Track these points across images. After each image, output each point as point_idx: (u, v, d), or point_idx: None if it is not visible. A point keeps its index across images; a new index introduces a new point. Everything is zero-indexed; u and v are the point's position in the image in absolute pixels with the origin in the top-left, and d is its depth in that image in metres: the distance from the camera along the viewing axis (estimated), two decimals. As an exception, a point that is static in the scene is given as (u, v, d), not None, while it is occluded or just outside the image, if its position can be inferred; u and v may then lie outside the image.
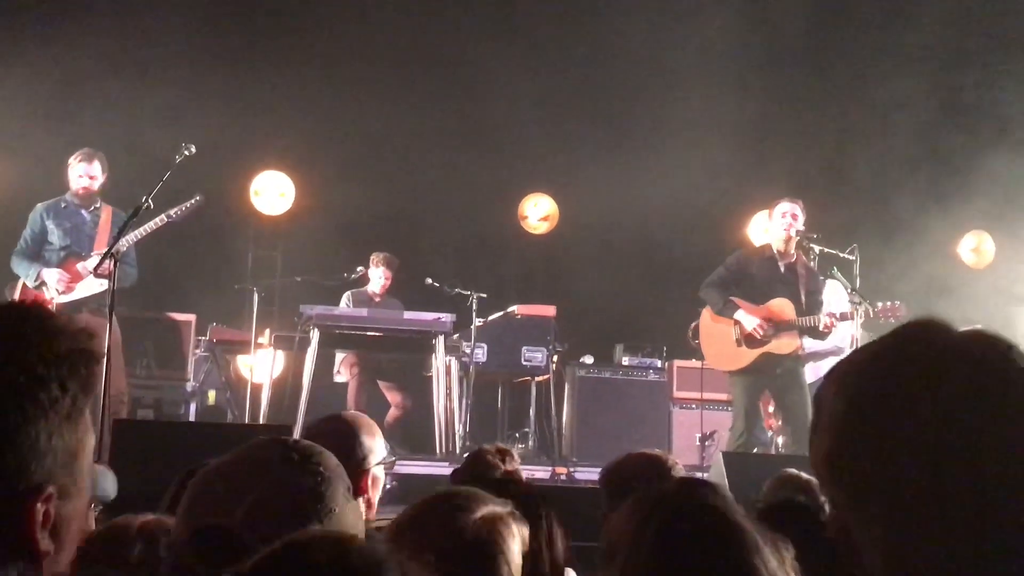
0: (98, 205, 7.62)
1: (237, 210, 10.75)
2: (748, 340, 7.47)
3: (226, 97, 9.73)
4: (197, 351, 9.11)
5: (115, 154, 7.84)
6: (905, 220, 10.19)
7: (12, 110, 9.18)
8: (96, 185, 7.57)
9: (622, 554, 1.38)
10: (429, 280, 9.16)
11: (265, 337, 8.80)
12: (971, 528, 1.04)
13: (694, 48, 10.34)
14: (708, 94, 10.37)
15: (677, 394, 9.54)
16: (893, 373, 1.10)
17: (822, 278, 7.76)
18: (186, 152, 6.84)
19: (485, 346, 8.99)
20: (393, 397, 9.27)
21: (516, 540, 1.99)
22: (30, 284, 7.43)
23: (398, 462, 8.05)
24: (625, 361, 9.72)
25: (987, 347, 1.10)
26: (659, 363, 9.63)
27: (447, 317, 8.32)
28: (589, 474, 8.24)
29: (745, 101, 10.33)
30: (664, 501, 1.42)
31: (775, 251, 7.65)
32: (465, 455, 6.48)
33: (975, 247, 11.60)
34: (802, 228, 7.56)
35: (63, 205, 7.61)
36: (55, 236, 7.51)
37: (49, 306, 6.95)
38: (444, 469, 7.24)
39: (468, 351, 8.76)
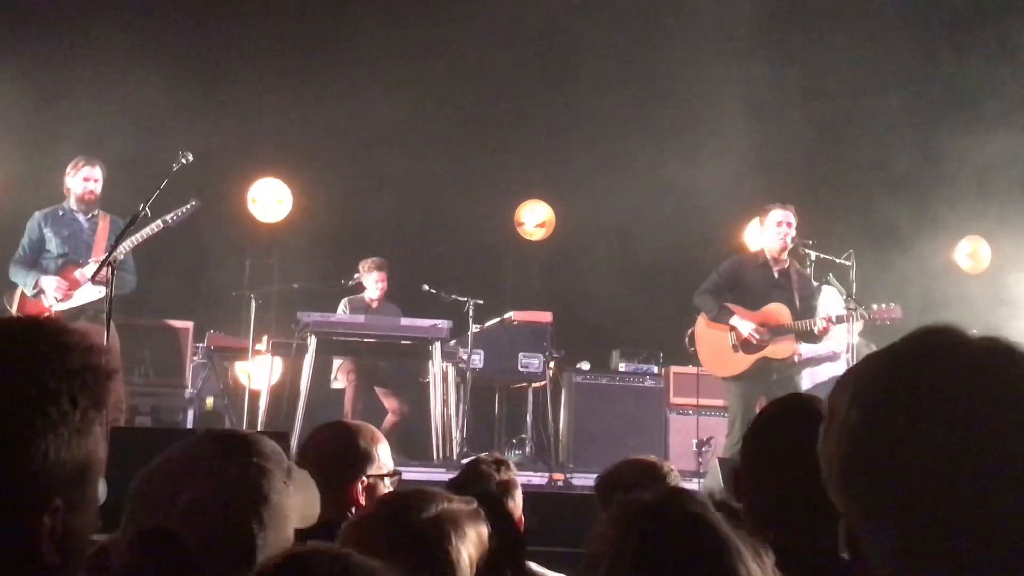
0: (96, 212, 7.59)
1: (234, 217, 10.76)
2: (745, 345, 7.48)
3: (223, 104, 9.76)
4: (195, 358, 9.12)
5: (112, 162, 7.83)
6: (901, 226, 10.21)
7: (5, 117, 9.18)
8: (99, 190, 7.56)
9: (604, 563, 1.39)
10: (426, 287, 9.18)
11: (263, 344, 8.81)
12: (984, 545, 1.02)
13: (690, 55, 10.36)
14: (705, 101, 10.40)
15: (674, 400, 9.55)
16: (909, 382, 1.08)
17: (816, 284, 7.76)
18: (183, 160, 6.86)
19: (482, 352, 9.01)
20: (390, 403, 9.28)
21: (468, 540, 1.98)
22: (28, 292, 7.40)
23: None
24: (622, 367, 9.73)
25: (1005, 357, 1.08)
26: (655, 369, 9.64)
27: (444, 323, 8.33)
28: (586, 480, 8.24)
29: (742, 108, 10.35)
30: (646, 509, 1.43)
31: (768, 257, 7.65)
32: (463, 461, 6.49)
33: (971, 252, 11.63)
34: (794, 235, 7.57)
35: (61, 213, 7.58)
36: (53, 244, 7.48)
37: (47, 314, 6.97)
38: (441, 475, 7.23)
39: (465, 357, 8.77)
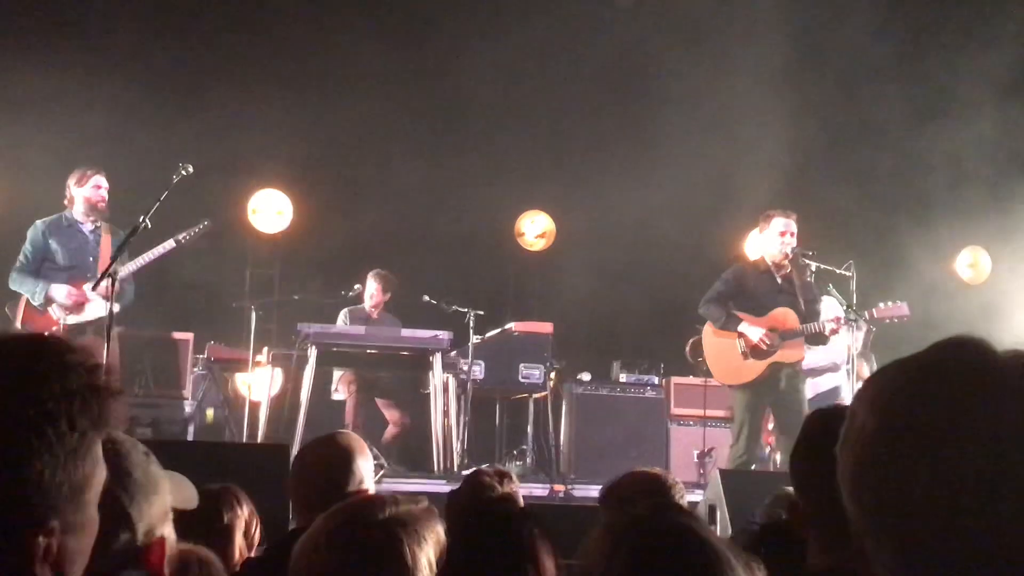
0: (99, 224, 7.52)
1: (235, 228, 10.76)
2: (755, 352, 7.47)
3: (224, 116, 9.76)
4: (195, 369, 9.11)
5: (112, 173, 7.81)
6: (902, 236, 10.22)
7: (4, 125, 9.18)
8: (104, 204, 7.47)
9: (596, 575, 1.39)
10: (426, 297, 9.18)
11: (263, 355, 8.80)
12: (981, 567, 1.01)
13: (690, 67, 10.38)
14: (704, 112, 10.40)
15: (675, 411, 9.53)
16: (928, 394, 1.06)
17: (816, 290, 7.75)
18: (183, 172, 6.86)
19: (483, 363, 9.00)
20: (391, 414, 9.27)
21: (427, 540, 1.98)
22: (36, 302, 7.27)
23: (396, 480, 8.06)
24: (622, 378, 9.72)
25: None
26: (656, 380, 9.63)
27: (444, 334, 8.32)
28: (587, 491, 8.23)
29: (741, 116, 10.36)
30: (636, 523, 1.42)
31: (770, 264, 7.66)
32: (463, 473, 6.48)
33: (972, 263, 11.63)
34: (795, 244, 7.57)
35: (65, 224, 7.48)
36: (59, 255, 7.38)
37: (56, 328, 6.91)
38: (442, 487, 7.22)
39: (465, 368, 8.77)
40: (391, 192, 10.62)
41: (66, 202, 7.54)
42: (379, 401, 9.28)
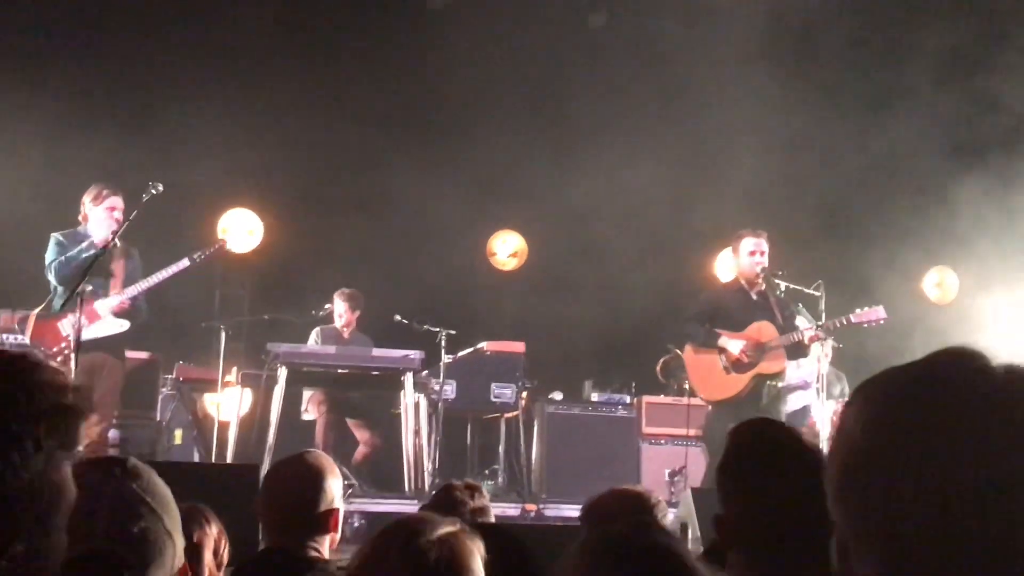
0: (115, 243, 7.24)
1: (204, 248, 10.68)
2: (736, 365, 7.50)
3: (194, 135, 9.73)
4: (163, 389, 9.04)
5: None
6: (869, 256, 10.29)
7: None
8: (123, 218, 7.22)
9: None
10: (398, 317, 9.16)
11: (232, 375, 8.75)
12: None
13: (663, 87, 10.45)
14: (676, 134, 10.48)
15: (646, 430, 9.54)
16: (919, 402, 1.06)
17: (792, 305, 7.79)
18: (153, 191, 6.83)
19: (454, 383, 8.99)
20: (361, 435, 9.23)
21: (476, 555, 2.01)
22: (58, 305, 7.01)
23: (367, 500, 8.02)
24: (594, 397, 9.73)
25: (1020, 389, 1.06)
26: (628, 399, 9.64)
27: (416, 354, 8.29)
28: (559, 511, 8.23)
29: (710, 136, 10.44)
30: (615, 543, 1.42)
31: (743, 282, 7.71)
32: (434, 492, 6.46)
33: (938, 282, 11.74)
34: (766, 264, 7.61)
35: (81, 240, 7.27)
36: (76, 272, 7.04)
37: (65, 344, 6.84)
38: (413, 507, 7.20)
39: (437, 388, 8.75)
40: (362, 212, 10.60)
41: (80, 218, 7.37)
42: (350, 421, 9.24)
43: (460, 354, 9.18)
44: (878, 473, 1.05)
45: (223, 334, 8.61)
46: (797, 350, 7.62)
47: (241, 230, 10.97)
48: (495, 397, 9.07)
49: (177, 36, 10.55)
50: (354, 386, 8.85)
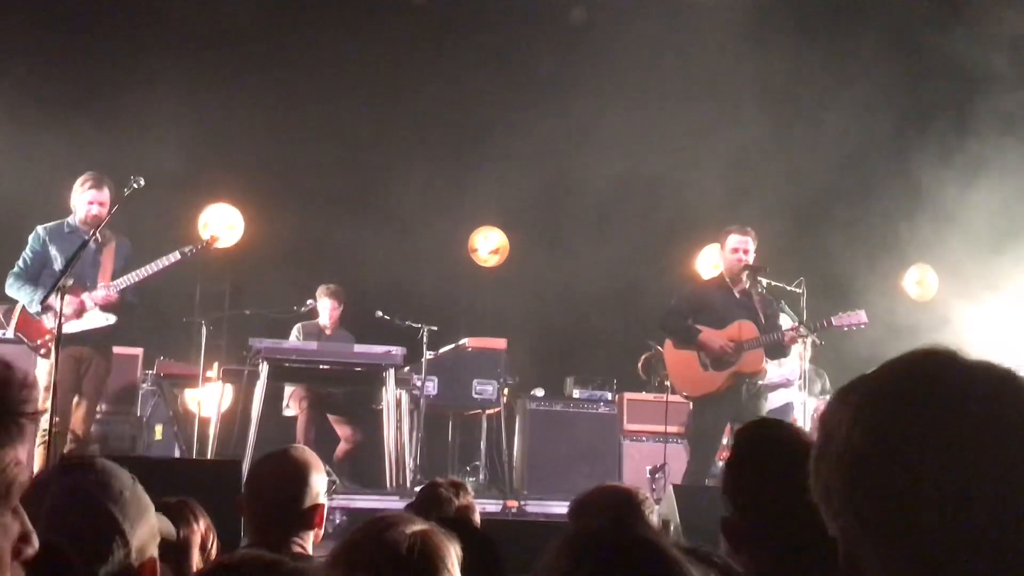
0: (105, 234, 7.16)
1: (185, 243, 10.62)
2: (715, 363, 7.51)
3: (175, 129, 9.67)
4: (144, 385, 8.99)
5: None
6: (850, 254, 10.33)
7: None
8: (104, 213, 7.08)
9: None
10: (379, 313, 9.14)
11: (213, 371, 8.71)
12: (983, 571, 1.02)
13: (642, 82, 10.46)
14: (655, 130, 10.48)
15: (627, 427, 9.55)
16: (918, 406, 1.07)
17: (776, 305, 7.81)
18: (135, 185, 6.77)
19: (436, 379, 8.98)
20: (343, 431, 9.21)
21: (451, 553, 2.02)
22: (32, 310, 6.97)
23: (348, 496, 8.01)
24: (576, 394, 9.73)
25: (1009, 383, 1.08)
26: (609, 396, 9.64)
27: (397, 350, 8.28)
28: (540, 507, 8.24)
29: (690, 133, 10.45)
30: (598, 538, 1.41)
31: (727, 280, 7.72)
32: (416, 489, 6.44)
33: (919, 280, 11.80)
34: (751, 261, 7.62)
35: (67, 231, 7.15)
36: (58, 262, 7.00)
37: (49, 336, 6.74)
38: (395, 503, 7.19)
39: (419, 384, 8.74)
40: (345, 207, 10.57)
41: (72, 207, 7.23)
42: (331, 417, 9.22)
43: (442, 350, 9.17)
44: (887, 478, 1.06)
45: (204, 329, 8.58)
46: (777, 350, 7.64)
47: (222, 225, 10.91)
48: (477, 394, 9.06)
49: (158, 28, 10.51)
50: (336, 382, 8.83)
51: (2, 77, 9.65)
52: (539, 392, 9.65)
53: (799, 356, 8.00)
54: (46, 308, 6.90)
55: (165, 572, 2.21)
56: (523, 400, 9.43)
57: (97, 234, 6.96)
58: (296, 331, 9.30)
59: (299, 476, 3.01)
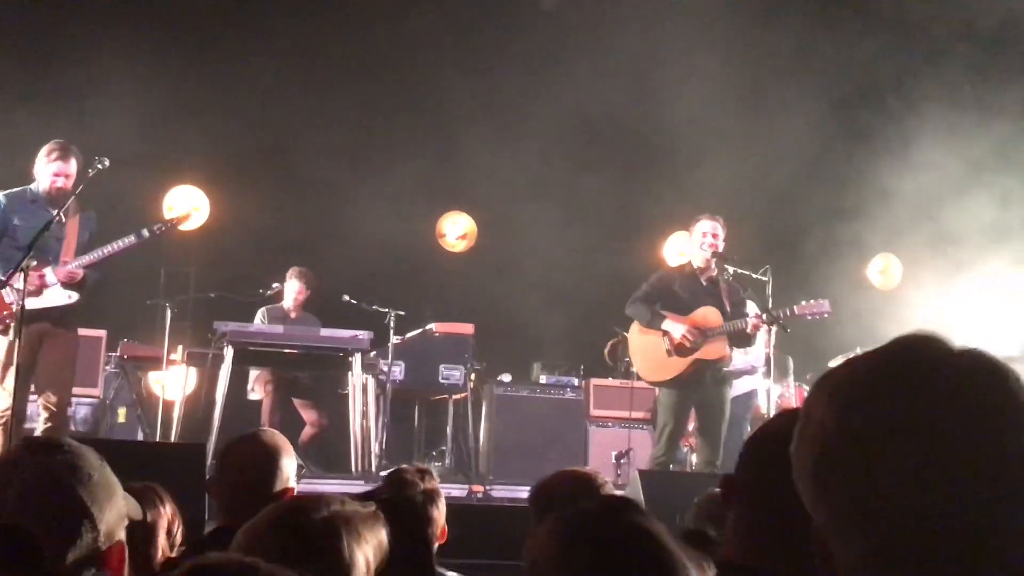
0: (67, 207, 6.82)
1: (150, 224, 10.53)
2: (678, 349, 7.53)
3: (139, 110, 9.57)
4: (107, 368, 8.91)
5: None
6: (815, 243, 10.41)
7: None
8: (69, 185, 6.80)
9: (551, 574, 1.37)
10: (346, 297, 9.11)
11: (178, 353, 8.65)
12: (954, 559, 1.01)
13: (608, 71, 10.46)
14: (621, 117, 10.49)
15: (594, 412, 9.59)
16: (889, 390, 1.06)
17: (743, 293, 7.84)
18: (99, 165, 6.66)
19: (402, 364, 8.96)
20: (308, 415, 9.18)
21: (364, 541, 1.99)
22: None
23: (313, 480, 7.98)
24: (542, 379, 9.76)
25: (987, 371, 1.07)
26: (576, 381, 9.68)
27: (364, 334, 8.25)
28: (506, 492, 8.25)
29: (657, 121, 10.47)
30: (593, 522, 1.41)
31: (695, 267, 7.74)
32: (381, 474, 6.43)
33: (883, 269, 11.90)
34: (721, 248, 7.64)
35: (30, 198, 6.82)
36: (20, 233, 6.66)
37: (7, 313, 6.53)
38: (360, 487, 7.14)
39: (385, 369, 8.72)
40: (311, 190, 10.52)
41: (35, 174, 6.89)
42: (296, 401, 9.18)
43: (409, 335, 9.14)
44: (856, 464, 1.05)
45: (168, 312, 8.50)
46: (741, 339, 7.67)
47: (187, 207, 10.80)
48: (444, 378, 9.05)
49: (121, 2, 10.38)
50: (301, 366, 8.79)
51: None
52: (506, 377, 9.66)
53: (764, 343, 8.03)
54: (4, 285, 6.58)
55: (131, 555, 2.20)
56: (490, 385, 9.44)
57: (53, 212, 6.69)
58: (261, 314, 9.25)
59: (270, 459, 3.00)
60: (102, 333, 8.82)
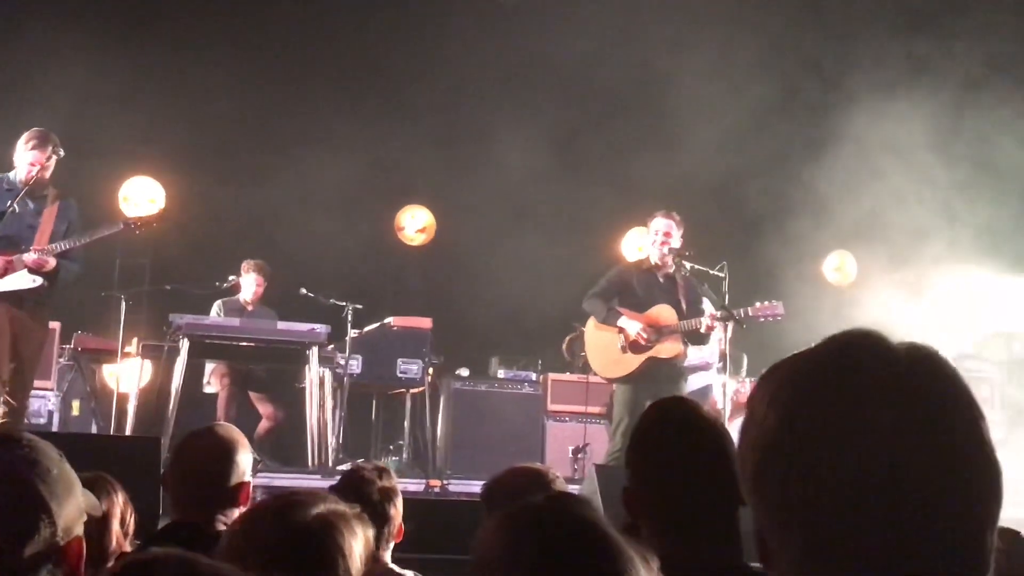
0: (46, 194, 6.78)
1: (104, 216, 10.42)
2: (633, 346, 7.57)
3: (95, 99, 9.46)
4: (61, 360, 8.81)
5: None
6: (771, 239, 10.48)
7: None
8: (47, 173, 6.73)
9: (497, 571, 1.37)
10: (304, 290, 9.07)
11: (132, 346, 8.57)
12: (885, 562, 1.01)
13: (565, 67, 10.48)
14: (583, 112, 10.52)
15: (551, 407, 9.61)
16: (827, 386, 1.06)
17: (699, 291, 7.89)
18: (55, 155, 6.60)
19: (360, 357, 8.92)
20: (264, 408, 9.12)
21: (358, 539, 1.99)
22: None
23: (269, 475, 7.94)
24: (500, 374, 9.76)
25: (927, 367, 1.06)
26: (534, 376, 9.70)
27: (321, 328, 8.22)
28: (463, 487, 8.25)
29: (614, 118, 10.51)
30: (539, 516, 1.41)
31: (652, 264, 7.78)
32: (339, 468, 6.41)
33: (838, 266, 12.02)
34: (676, 245, 7.68)
35: (5, 187, 6.71)
36: None
37: None
38: (316, 482, 7.15)
39: (342, 362, 8.69)
40: (268, 182, 10.45)
41: (14, 162, 6.79)
42: (252, 395, 9.13)
43: (366, 329, 9.11)
44: (793, 462, 1.05)
45: (123, 304, 8.42)
46: (695, 337, 7.72)
47: (142, 198, 10.71)
48: (401, 372, 9.03)
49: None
50: (258, 359, 8.73)
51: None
52: (464, 372, 9.67)
53: (719, 340, 8.09)
54: None
55: (87, 547, 2.18)
56: (447, 380, 9.43)
57: (28, 200, 6.64)
58: (217, 307, 9.18)
59: (226, 454, 2.99)
60: (56, 325, 8.70)
